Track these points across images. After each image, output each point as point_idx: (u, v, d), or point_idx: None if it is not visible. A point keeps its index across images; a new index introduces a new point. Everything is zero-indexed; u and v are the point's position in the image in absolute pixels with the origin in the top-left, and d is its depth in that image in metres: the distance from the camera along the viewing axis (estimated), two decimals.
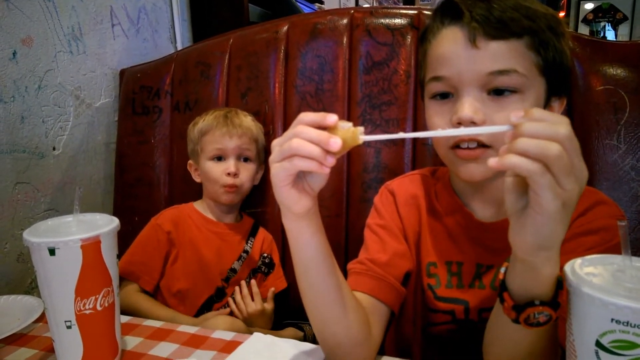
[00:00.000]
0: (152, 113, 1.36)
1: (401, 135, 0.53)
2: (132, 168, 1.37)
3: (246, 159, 1.17)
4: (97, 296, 0.68)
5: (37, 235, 0.66)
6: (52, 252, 0.64)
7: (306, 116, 0.53)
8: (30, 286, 1.18)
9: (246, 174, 1.16)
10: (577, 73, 1.01)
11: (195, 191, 1.25)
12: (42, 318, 0.85)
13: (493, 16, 0.66)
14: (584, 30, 6.35)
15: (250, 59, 1.27)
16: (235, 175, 1.14)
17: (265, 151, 1.21)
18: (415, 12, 1.16)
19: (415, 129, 1.13)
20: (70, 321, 0.67)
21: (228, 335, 0.80)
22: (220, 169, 1.14)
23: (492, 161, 0.47)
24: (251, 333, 0.81)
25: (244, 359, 0.73)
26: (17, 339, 0.81)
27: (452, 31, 0.69)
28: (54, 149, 1.25)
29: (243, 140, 1.14)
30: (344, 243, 1.18)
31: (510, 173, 0.49)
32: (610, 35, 6.29)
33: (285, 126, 1.17)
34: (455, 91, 0.69)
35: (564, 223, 0.47)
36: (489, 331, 0.65)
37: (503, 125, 0.48)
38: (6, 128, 1.12)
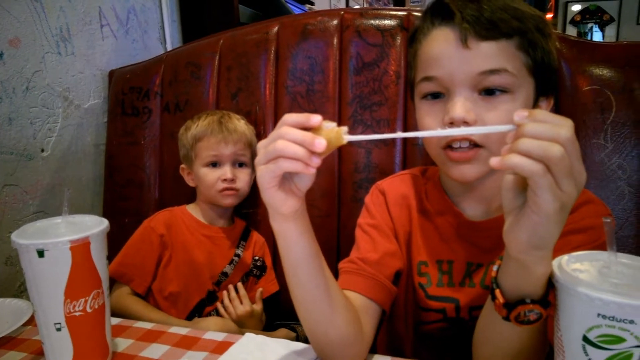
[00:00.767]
0: (141, 114, 1.35)
1: (386, 135, 0.54)
2: (121, 169, 1.37)
3: (241, 164, 1.17)
4: (87, 298, 0.67)
5: (25, 237, 0.65)
6: (40, 254, 0.64)
7: (290, 117, 0.53)
8: (19, 289, 1.17)
9: (243, 178, 1.16)
10: (565, 74, 1.02)
11: (185, 192, 1.24)
12: (31, 321, 0.84)
13: (484, 17, 0.66)
14: (571, 31, 6.42)
15: (240, 59, 1.27)
16: (232, 181, 1.14)
17: None
18: (405, 13, 1.17)
19: (405, 130, 1.14)
20: (59, 323, 0.66)
21: (220, 336, 0.80)
22: (216, 175, 1.14)
23: (494, 161, 0.47)
24: (243, 334, 0.81)
25: (235, 359, 0.73)
26: (6, 342, 0.80)
27: (443, 32, 0.70)
28: (42, 150, 1.24)
29: (238, 146, 1.14)
30: (336, 243, 1.18)
31: (510, 171, 0.49)
32: (597, 36, 6.37)
33: None
34: (447, 91, 0.70)
35: (560, 224, 0.48)
36: (478, 330, 0.66)
37: (497, 124, 0.48)
38: None
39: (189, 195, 1.24)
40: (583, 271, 0.47)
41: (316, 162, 0.52)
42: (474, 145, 0.69)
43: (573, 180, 0.45)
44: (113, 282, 1.10)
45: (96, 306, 0.68)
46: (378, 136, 0.53)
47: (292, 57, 1.23)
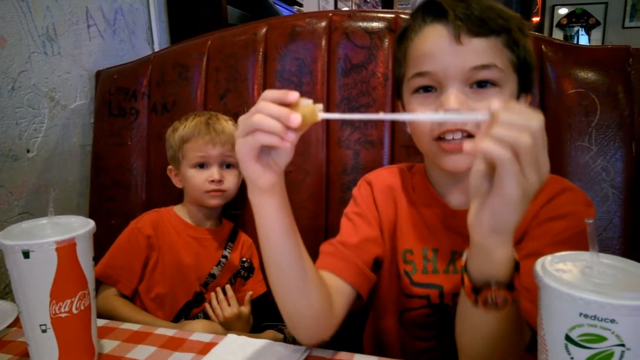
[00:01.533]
0: (129, 115, 1.35)
1: (362, 115, 0.55)
2: (108, 170, 1.36)
3: (229, 166, 1.17)
4: (73, 299, 0.67)
5: (10, 238, 0.65)
6: (26, 255, 0.63)
7: (269, 93, 0.56)
8: (4, 291, 1.16)
9: (231, 179, 1.16)
10: (550, 76, 1.04)
11: (173, 193, 1.24)
12: (16, 322, 0.83)
13: (474, 15, 0.70)
14: (558, 34, 6.50)
15: (228, 60, 1.27)
16: (220, 182, 1.13)
17: None
18: (393, 15, 1.18)
19: (393, 131, 1.14)
20: (45, 325, 0.66)
21: (206, 337, 0.79)
22: (203, 176, 1.14)
23: (468, 145, 0.50)
24: None
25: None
26: None
27: (436, 29, 0.73)
28: (28, 151, 1.22)
29: (226, 147, 1.14)
30: None
31: (481, 158, 0.51)
32: (583, 39, 6.45)
33: None
34: (439, 85, 0.73)
35: (520, 212, 0.50)
36: (457, 321, 0.67)
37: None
38: None
39: (176, 196, 1.24)
40: (566, 271, 0.48)
41: (292, 137, 0.55)
42: (467, 136, 0.71)
43: (538, 171, 0.48)
44: (99, 283, 1.09)
45: (82, 307, 0.68)
46: (353, 115, 0.55)
47: (281, 59, 1.23)
